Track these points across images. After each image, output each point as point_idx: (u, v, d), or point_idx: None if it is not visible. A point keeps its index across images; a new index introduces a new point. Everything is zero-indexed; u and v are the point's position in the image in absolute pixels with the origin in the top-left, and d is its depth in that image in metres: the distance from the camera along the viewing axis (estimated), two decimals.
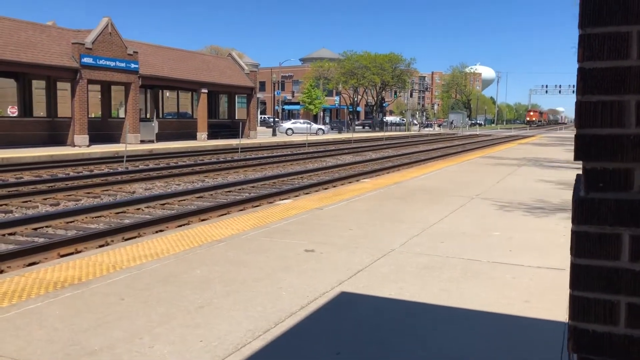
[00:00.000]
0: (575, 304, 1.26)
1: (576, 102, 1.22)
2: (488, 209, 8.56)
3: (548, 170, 15.69)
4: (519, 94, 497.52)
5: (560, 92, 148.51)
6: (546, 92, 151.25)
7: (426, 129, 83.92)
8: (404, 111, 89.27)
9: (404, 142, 41.16)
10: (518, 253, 5.74)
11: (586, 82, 1.21)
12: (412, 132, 66.34)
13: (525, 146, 31.31)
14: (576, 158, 1.23)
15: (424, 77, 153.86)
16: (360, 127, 71.06)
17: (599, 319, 1.24)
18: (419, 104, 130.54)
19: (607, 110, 1.20)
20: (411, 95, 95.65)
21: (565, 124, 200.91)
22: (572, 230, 1.26)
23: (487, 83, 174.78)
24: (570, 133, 71.63)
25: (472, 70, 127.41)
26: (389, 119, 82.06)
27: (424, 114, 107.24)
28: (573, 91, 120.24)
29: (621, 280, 1.22)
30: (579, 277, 1.25)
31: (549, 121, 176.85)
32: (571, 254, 1.28)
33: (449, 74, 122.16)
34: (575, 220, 1.24)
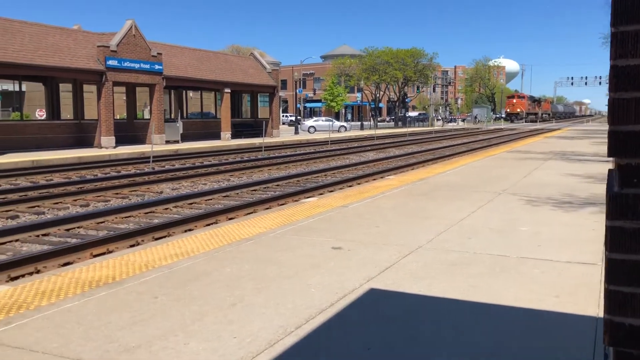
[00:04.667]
0: (611, 298, 1.28)
1: (609, 99, 1.24)
2: (515, 204, 8.50)
3: (575, 164, 15.48)
4: (544, 86, 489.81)
5: (586, 83, 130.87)
6: (572, 84, 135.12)
7: (450, 123, 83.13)
8: (426, 106, 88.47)
9: (427, 138, 40.91)
10: (547, 248, 5.70)
11: (619, 80, 1.22)
12: (436, 128, 65.88)
13: (551, 139, 30.88)
14: (610, 154, 1.25)
15: (447, 71, 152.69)
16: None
17: (635, 313, 1.26)
18: (442, 98, 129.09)
19: None
20: (434, 90, 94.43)
21: (592, 115, 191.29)
22: (606, 226, 1.28)
23: (511, 76, 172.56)
24: (598, 125, 70.34)
25: (495, 64, 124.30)
26: (411, 114, 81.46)
27: (447, 108, 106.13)
28: (600, 82, 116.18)
29: None
30: (614, 271, 1.27)
31: (554, 114, 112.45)
32: (606, 248, 1.29)
33: (472, 68, 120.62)
34: (609, 215, 1.26)
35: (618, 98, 1.23)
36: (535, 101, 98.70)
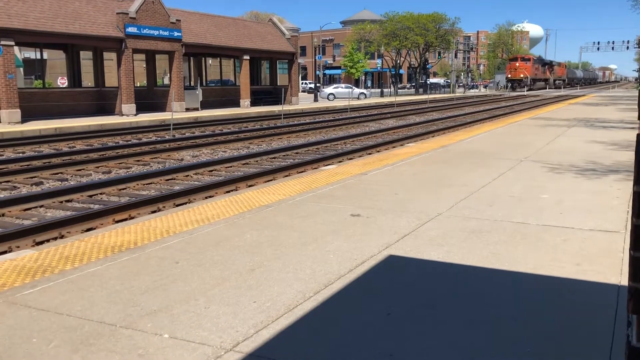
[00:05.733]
0: (637, 266, 1.25)
1: None
2: (537, 171, 8.39)
3: (599, 130, 15.18)
4: (570, 52, 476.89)
5: (613, 48, 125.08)
6: (598, 49, 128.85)
7: (471, 90, 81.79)
8: (448, 72, 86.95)
9: (449, 105, 40.37)
10: (569, 216, 5.64)
11: None
12: (457, 94, 64.87)
13: (576, 106, 30.27)
14: None
15: (469, 36, 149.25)
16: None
17: None
18: (464, 64, 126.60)
19: None
20: (456, 56, 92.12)
21: (618, 81, 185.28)
22: (634, 191, 1.24)
23: (535, 41, 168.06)
24: (624, 92, 68.70)
25: (519, 29, 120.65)
26: (432, 80, 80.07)
27: (469, 75, 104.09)
28: (627, 47, 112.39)
29: None
30: None
31: (570, 80, 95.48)
32: (633, 214, 1.26)
33: (494, 33, 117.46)
34: (638, 180, 1.22)
35: None
36: (546, 65, 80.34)
